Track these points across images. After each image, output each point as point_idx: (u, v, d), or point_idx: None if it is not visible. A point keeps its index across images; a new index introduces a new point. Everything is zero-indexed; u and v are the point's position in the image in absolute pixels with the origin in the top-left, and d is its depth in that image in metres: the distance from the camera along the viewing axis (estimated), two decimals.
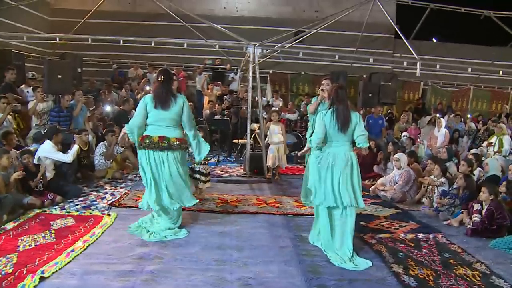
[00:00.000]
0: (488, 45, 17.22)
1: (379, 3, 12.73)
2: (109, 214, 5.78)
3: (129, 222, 5.54)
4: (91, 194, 6.98)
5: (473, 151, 9.61)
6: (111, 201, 6.55)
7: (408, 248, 5.09)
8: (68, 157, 6.87)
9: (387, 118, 13.24)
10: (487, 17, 13.76)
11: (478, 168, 8.12)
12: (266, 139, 9.26)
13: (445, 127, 11.16)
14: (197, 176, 6.83)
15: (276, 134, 8.86)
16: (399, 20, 14.96)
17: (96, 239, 4.85)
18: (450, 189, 7.01)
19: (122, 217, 5.77)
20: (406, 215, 6.66)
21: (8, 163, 5.95)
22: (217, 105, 12.94)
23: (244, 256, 4.57)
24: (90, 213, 5.87)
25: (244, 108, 12.14)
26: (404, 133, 11.69)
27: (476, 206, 5.98)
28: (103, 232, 5.07)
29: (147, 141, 5.11)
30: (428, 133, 11.73)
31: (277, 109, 10.48)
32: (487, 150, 9.94)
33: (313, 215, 6.12)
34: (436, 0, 13.98)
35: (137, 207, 6.17)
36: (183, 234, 5.19)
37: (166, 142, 5.12)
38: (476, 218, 5.85)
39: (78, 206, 6.22)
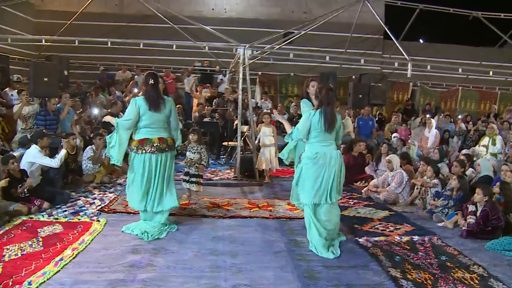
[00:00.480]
0: (476, 45, 17.30)
1: (368, 4, 12.71)
2: (98, 220, 5.62)
3: (119, 228, 5.42)
4: (80, 199, 6.81)
5: (464, 151, 9.59)
6: (100, 206, 6.38)
7: (404, 251, 5.02)
8: (55, 162, 6.68)
9: (376, 119, 13.22)
10: (474, 17, 13.82)
11: (470, 169, 8.10)
12: (257, 141, 9.16)
13: (435, 128, 11.18)
14: (194, 179, 6.71)
15: (267, 136, 8.77)
16: (387, 21, 14.96)
17: (86, 246, 4.70)
18: (443, 190, 6.96)
19: (112, 223, 5.62)
20: (400, 217, 6.59)
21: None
22: (206, 107, 12.81)
23: (238, 262, 4.45)
24: (78, 219, 5.70)
25: (230, 110, 12.06)
26: (394, 134, 11.66)
27: (471, 208, 5.94)
28: (92, 239, 4.92)
29: (149, 144, 5.21)
30: (418, 134, 11.73)
31: (268, 111, 10.37)
32: (479, 152, 9.94)
33: None
34: (424, 1, 14.02)
35: (128, 213, 6.11)
36: (174, 228, 5.46)
37: (165, 143, 5.33)
38: (471, 219, 5.80)
39: (66, 212, 6.04)
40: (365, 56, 14.50)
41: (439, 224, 6.29)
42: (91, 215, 5.93)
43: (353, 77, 15.28)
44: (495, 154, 9.48)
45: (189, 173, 6.73)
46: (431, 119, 11.41)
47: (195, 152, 6.76)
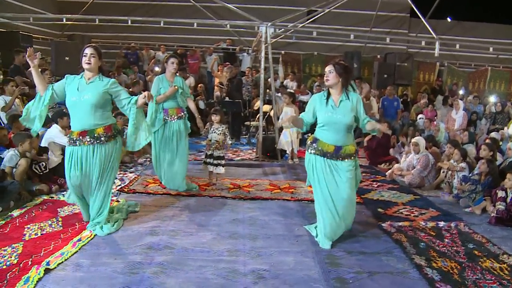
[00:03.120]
0: (507, 24, 16.64)
1: None
2: (118, 201, 5.58)
3: (139, 209, 5.38)
4: None
5: (492, 134, 9.27)
6: (120, 186, 6.35)
7: (429, 238, 4.85)
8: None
9: (402, 99, 12.91)
10: None
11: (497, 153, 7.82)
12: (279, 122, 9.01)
13: (463, 109, 10.84)
14: (218, 162, 6.56)
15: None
16: None
17: None
18: (470, 175, 6.73)
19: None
20: (425, 202, 6.40)
21: (30, 148, 5.83)
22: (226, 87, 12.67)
23: (258, 246, 4.36)
24: None
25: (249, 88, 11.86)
26: (420, 116, 11.38)
27: (500, 193, 5.71)
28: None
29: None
30: (444, 115, 11.41)
31: (291, 91, 10.18)
32: (508, 133, 9.62)
33: None
34: None
35: (147, 193, 6.07)
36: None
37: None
38: (500, 206, 5.59)
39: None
40: (390, 35, 14.12)
41: (466, 210, 6.09)
42: (111, 195, 5.87)
43: (378, 56, 14.89)
44: None
45: (213, 155, 6.56)
46: (458, 100, 11.07)
47: (220, 133, 6.59)
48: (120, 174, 7.17)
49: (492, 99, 12.45)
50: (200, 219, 5.11)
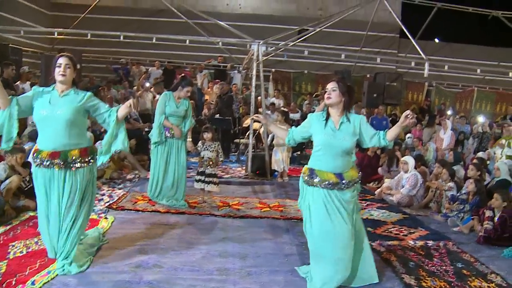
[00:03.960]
0: (493, 46, 16.96)
1: (385, 2, 12.47)
2: (106, 218, 5.53)
3: (127, 226, 5.33)
4: None
5: (479, 154, 9.37)
6: (108, 203, 6.29)
7: (418, 257, 4.86)
8: None
9: (390, 118, 13.01)
10: (493, 17, 13.53)
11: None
12: (270, 140, 9.04)
13: (451, 129, 10.95)
14: (211, 179, 6.51)
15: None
16: (403, 19, 14.71)
17: None
18: (459, 194, 6.79)
19: (120, 221, 5.52)
20: (414, 221, 6.43)
21: (20, 163, 5.76)
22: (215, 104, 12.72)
23: (248, 265, 4.33)
24: None
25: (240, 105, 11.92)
26: (408, 135, 11.48)
27: (488, 213, 5.76)
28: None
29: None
30: (430, 135, 11.53)
31: (284, 109, 10.23)
32: (494, 153, 9.72)
33: None
34: (441, 0, 13.75)
35: (136, 210, 6.01)
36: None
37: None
38: (488, 225, 5.63)
39: None
40: (380, 55, 14.29)
41: (454, 229, 6.12)
42: (99, 212, 5.82)
43: (368, 75, 15.06)
44: (511, 156, 9.26)
45: (204, 172, 6.53)
46: (446, 120, 11.19)
47: (212, 151, 6.56)
48: (108, 190, 7.11)
49: (480, 119, 12.62)
50: (189, 237, 5.08)
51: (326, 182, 3.70)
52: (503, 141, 9.60)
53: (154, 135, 6.26)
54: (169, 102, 6.24)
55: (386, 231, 5.82)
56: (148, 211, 6.03)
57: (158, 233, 5.14)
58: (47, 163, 3.81)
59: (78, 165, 3.86)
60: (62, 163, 3.81)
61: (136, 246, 4.69)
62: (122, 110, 3.93)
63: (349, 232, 3.72)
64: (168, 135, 6.26)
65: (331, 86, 3.79)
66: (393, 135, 3.76)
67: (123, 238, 4.92)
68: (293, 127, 4.13)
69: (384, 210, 6.91)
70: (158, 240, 4.92)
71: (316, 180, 3.73)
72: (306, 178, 3.83)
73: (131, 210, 6.05)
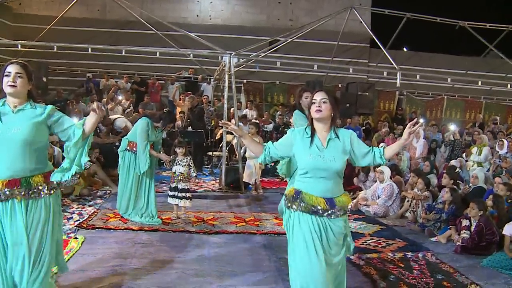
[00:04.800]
0: (460, 55, 17.31)
1: (356, 13, 12.58)
2: (76, 238, 5.28)
3: (98, 246, 5.10)
4: None
5: (452, 162, 9.45)
6: (78, 221, 6.04)
7: (398, 270, 4.79)
8: None
9: (363, 128, 13.07)
10: (460, 27, 13.78)
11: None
12: (243, 152, 8.92)
13: (423, 138, 11.05)
14: (183, 194, 6.36)
15: None
16: (373, 29, 14.89)
17: None
18: (434, 203, 6.79)
19: (90, 240, 5.28)
20: (391, 232, 6.39)
21: None
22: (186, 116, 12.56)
23: (225, 285, 4.18)
24: None
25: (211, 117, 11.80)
26: (382, 144, 11.49)
27: (465, 222, 5.76)
28: (68, 259, 4.56)
29: None
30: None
31: (256, 121, 10.14)
32: (466, 161, 9.83)
33: None
34: (410, 10, 13.96)
35: (107, 228, 5.78)
36: None
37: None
38: (465, 234, 5.63)
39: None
40: (351, 65, 14.37)
41: (432, 239, 6.11)
42: (68, 231, 5.57)
43: (339, 85, 15.12)
44: (480, 163, 9.38)
45: (177, 188, 6.35)
46: (419, 128, 11.27)
47: (184, 165, 6.40)
48: (78, 208, 6.85)
49: (452, 127, 12.77)
50: (164, 256, 4.88)
51: (314, 208, 3.10)
52: (475, 149, 9.73)
53: (142, 164, 6.06)
54: (151, 131, 6.13)
55: (365, 244, 5.75)
56: (120, 229, 5.81)
57: (131, 253, 4.94)
58: (6, 194, 3.06)
59: (45, 191, 3.18)
60: (24, 192, 3.10)
61: (108, 267, 4.47)
62: (89, 119, 3.22)
63: (333, 272, 3.21)
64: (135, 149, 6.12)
65: (320, 97, 3.17)
66: (391, 153, 3.28)
67: (94, 259, 4.70)
68: (269, 142, 3.38)
69: (361, 222, 6.86)
70: (131, 260, 4.72)
71: (302, 204, 3.12)
72: (290, 201, 3.20)
73: (102, 228, 5.81)
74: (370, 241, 5.86)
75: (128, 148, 6.15)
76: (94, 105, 3.18)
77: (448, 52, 17.27)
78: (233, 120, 11.31)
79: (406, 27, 14.60)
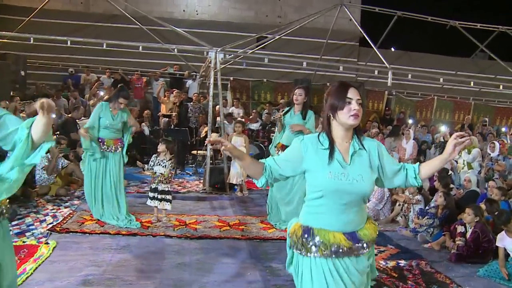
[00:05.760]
0: (449, 55, 17.14)
1: (346, 10, 12.29)
2: (47, 243, 4.89)
3: (71, 252, 4.74)
4: (29, 216, 5.98)
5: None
6: (51, 224, 5.65)
7: (392, 280, 4.52)
8: None
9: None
10: (446, 28, 13.58)
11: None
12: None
13: (413, 139, 10.83)
14: (163, 196, 6.00)
15: (239, 147, 8.18)
16: (362, 27, 14.63)
17: (26, 278, 3.97)
18: (427, 208, 6.53)
19: (63, 245, 4.90)
20: (383, 238, 6.10)
21: None
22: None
23: None
24: (23, 242, 4.91)
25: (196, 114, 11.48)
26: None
27: (460, 228, 5.49)
28: (36, 268, 4.19)
29: None
30: (391, 144, 11.38)
31: (242, 120, 9.81)
32: (457, 162, 9.63)
33: (283, 239, 5.55)
34: (398, 8, 13.69)
35: (82, 232, 5.41)
36: None
37: None
38: (460, 241, 5.36)
39: (11, 233, 5.28)
40: (340, 63, 14.11)
41: (425, 246, 5.85)
42: (40, 236, 5.18)
43: (328, 84, 14.84)
44: (470, 164, 9.18)
45: (157, 189, 6.01)
46: (409, 129, 11.06)
47: (165, 166, 6.05)
48: (53, 209, 6.46)
49: (442, 128, 12.59)
50: (141, 264, 4.53)
51: (332, 248, 2.32)
52: (465, 150, 9.52)
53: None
54: (104, 113, 5.76)
55: None
56: (97, 233, 5.44)
57: (105, 260, 4.58)
58: None
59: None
60: None
61: (80, 277, 4.12)
62: (36, 123, 2.29)
63: None
64: (104, 147, 5.78)
65: (356, 96, 2.34)
66: (429, 172, 2.48)
67: (65, 267, 4.33)
68: (269, 159, 2.48)
69: None
70: (105, 268, 4.37)
71: (314, 245, 2.33)
72: (297, 241, 2.39)
73: (77, 232, 5.44)
74: None
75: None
76: (38, 104, 2.24)
77: (436, 52, 17.09)
78: (218, 118, 10.99)
79: (394, 26, 14.35)
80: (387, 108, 15.73)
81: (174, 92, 11.79)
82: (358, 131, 2.43)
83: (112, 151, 5.79)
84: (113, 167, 5.83)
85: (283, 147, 5.88)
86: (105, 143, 5.75)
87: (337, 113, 2.33)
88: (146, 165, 6.20)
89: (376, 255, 5.25)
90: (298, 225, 2.43)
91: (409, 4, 14.34)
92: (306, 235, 2.36)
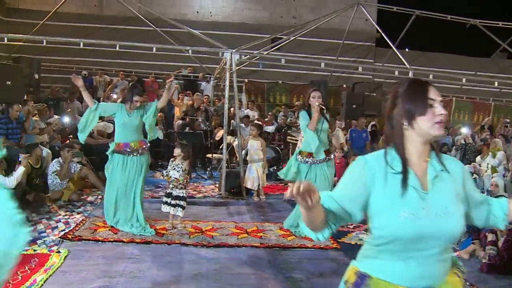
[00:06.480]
0: (468, 55, 16.77)
1: (364, 10, 12.01)
2: (58, 252, 4.70)
3: (83, 262, 4.54)
4: (41, 222, 5.81)
5: (466, 168, 8.91)
6: (63, 231, 5.47)
7: None
8: (10, 181, 5.70)
9: (370, 130, 12.52)
10: (471, 26, 13.22)
11: None
12: (244, 155, 8.39)
13: None
14: (178, 202, 5.79)
15: (255, 150, 7.96)
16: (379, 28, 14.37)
17: None
18: None
19: (75, 254, 4.71)
20: None
21: None
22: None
23: None
24: (34, 250, 4.71)
25: (199, 120, 11.27)
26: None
27: (490, 237, 5.20)
28: (47, 279, 3.99)
29: None
30: None
31: (259, 122, 9.60)
32: (480, 165, 9.31)
33: (304, 247, 5.36)
34: (414, 8, 13.37)
35: (95, 240, 5.22)
36: None
37: None
38: (491, 251, 5.06)
39: None
40: (356, 64, 13.87)
41: (453, 254, 5.54)
42: (51, 243, 5.00)
43: (344, 85, 14.60)
44: (494, 168, 8.87)
45: (171, 194, 5.80)
46: None
47: (179, 170, 5.84)
48: (65, 215, 6.28)
49: (464, 130, 12.25)
50: (156, 275, 4.32)
51: None
52: (489, 153, 9.24)
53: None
54: (120, 112, 5.61)
55: None
56: (110, 241, 5.24)
57: (118, 270, 4.37)
58: None
59: None
60: None
61: None
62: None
63: None
64: (128, 150, 5.57)
65: (439, 97, 1.78)
66: None
67: (76, 278, 4.14)
68: (324, 198, 1.73)
69: None
70: (118, 279, 4.16)
71: None
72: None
73: (89, 240, 5.25)
74: None
75: (116, 150, 5.63)
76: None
77: (454, 52, 16.73)
78: (233, 121, 10.80)
79: (411, 26, 14.03)
80: None
81: (188, 96, 11.65)
82: (436, 147, 1.79)
83: (137, 154, 5.61)
84: (136, 171, 5.64)
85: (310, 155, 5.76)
86: (130, 146, 5.57)
87: (416, 120, 1.70)
88: (164, 171, 5.99)
89: None
90: (354, 270, 1.83)
91: (421, 3, 13.99)
92: (360, 283, 1.76)
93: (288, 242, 5.58)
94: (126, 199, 5.62)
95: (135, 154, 5.59)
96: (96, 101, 5.72)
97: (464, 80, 9.54)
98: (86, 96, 5.63)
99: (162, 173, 6.01)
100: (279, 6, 16.10)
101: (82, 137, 5.76)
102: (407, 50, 17.87)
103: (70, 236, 5.28)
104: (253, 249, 5.27)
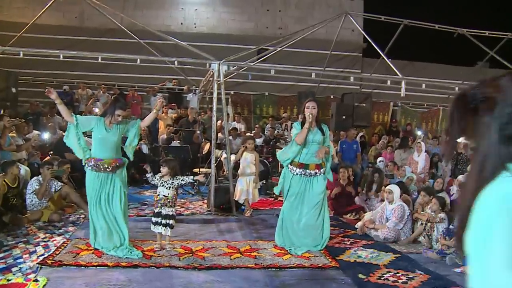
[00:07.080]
0: (455, 64, 16.75)
1: (352, 20, 11.84)
2: (36, 280, 4.29)
3: None
4: (17, 246, 5.38)
5: (460, 178, 8.71)
6: (42, 256, 5.06)
7: None
8: None
9: (359, 141, 12.33)
10: (457, 35, 13.14)
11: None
12: (232, 168, 8.10)
13: (424, 152, 10.37)
14: (167, 221, 5.45)
15: (248, 164, 7.66)
16: (365, 38, 14.22)
17: None
18: (452, 227, 5.99)
19: (55, 282, 4.29)
20: (408, 261, 5.54)
21: None
22: (169, 129, 11.70)
23: None
24: (8, 280, 4.27)
25: (198, 132, 10.99)
26: (380, 158, 10.78)
27: None
28: None
29: None
30: (399, 157, 10.90)
31: (251, 135, 9.35)
32: None
33: (301, 267, 5.05)
34: (401, 17, 13.25)
35: (78, 265, 4.83)
36: None
37: None
38: None
39: None
40: (344, 74, 13.71)
41: (457, 270, 5.29)
42: (28, 271, 4.57)
43: (332, 96, 14.41)
44: None
45: (161, 213, 5.45)
46: (421, 142, 10.59)
47: (169, 188, 5.50)
48: (45, 238, 5.87)
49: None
50: None
51: None
52: None
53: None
54: (97, 126, 5.23)
55: (382, 278, 4.88)
56: (93, 266, 4.86)
57: None
58: None
59: None
60: None
61: None
62: None
63: None
64: (100, 166, 5.21)
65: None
66: None
67: None
68: None
69: (372, 249, 5.98)
70: None
71: None
72: None
73: (71, 265, 4.84)
74: (387, 275, 4.99)
75: (87, 163, 5.28)
76: None
77: (440, 62, 16.70)
78: (220, 134, 10.50)
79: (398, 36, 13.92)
80: (393, 120, 15.29)
81: (173, 109, 11.35)
82: None
83: (109, 171, 5.22)
84: (110, 189, 5.28)
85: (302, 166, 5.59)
86: (101, 162, 5.18)
87: None
88: (155, 176, 5.60)
89: (405, 283, 4.73)
90: None
91: (408, 13, 13.87)
92: None
93: (284, 261, 5.26)
94: (106, 218, 5.25)
95: (107, 171, 5.23)
96: (73, 114, 5.37)
97: (456, 89, 9.39)
98: (62, 109, 5.25)
99: (151, 175, 5.63)
100: (264, 17, 15.91)
101: (86, 155, 5.33)
102: (390, 60, 17.81)
103: (49, 262, 4.86)
104: (248, 270, 4.94)
